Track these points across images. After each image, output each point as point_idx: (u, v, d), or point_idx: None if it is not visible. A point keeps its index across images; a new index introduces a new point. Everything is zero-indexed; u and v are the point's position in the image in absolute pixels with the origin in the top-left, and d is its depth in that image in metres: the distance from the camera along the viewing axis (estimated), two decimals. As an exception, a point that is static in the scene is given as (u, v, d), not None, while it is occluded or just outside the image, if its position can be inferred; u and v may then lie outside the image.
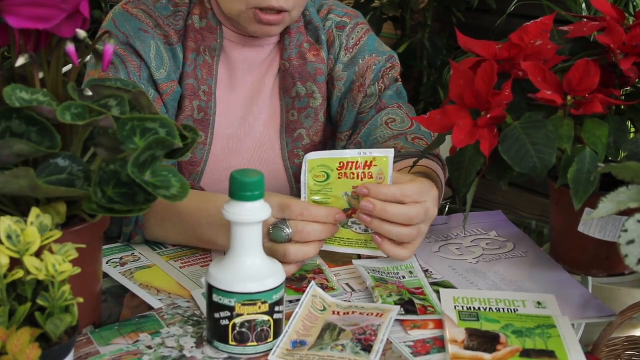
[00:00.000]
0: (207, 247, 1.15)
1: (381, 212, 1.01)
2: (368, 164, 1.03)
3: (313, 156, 1.03)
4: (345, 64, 1.39)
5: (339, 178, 1.03)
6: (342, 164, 1.03)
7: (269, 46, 1.38)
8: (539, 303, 1.00)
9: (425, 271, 1.10)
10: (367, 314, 0.95)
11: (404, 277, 1.07)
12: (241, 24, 1.29)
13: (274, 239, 1.02)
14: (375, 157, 1.03)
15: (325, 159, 1.03)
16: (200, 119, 1.33)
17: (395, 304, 0.98)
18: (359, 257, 1.14)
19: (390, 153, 1.03)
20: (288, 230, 1.01)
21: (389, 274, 1.07)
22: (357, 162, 1.03)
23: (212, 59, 1.33)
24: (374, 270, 1.07)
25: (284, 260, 1.00)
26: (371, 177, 1.03)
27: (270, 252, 1.01)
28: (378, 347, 0.87)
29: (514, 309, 0.98)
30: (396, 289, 1.02)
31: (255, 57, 1.37)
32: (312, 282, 1.01)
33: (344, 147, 1.40)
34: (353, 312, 0.95)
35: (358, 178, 1.03)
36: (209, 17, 1.33)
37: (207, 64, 1.33)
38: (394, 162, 1.23)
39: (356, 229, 1.05)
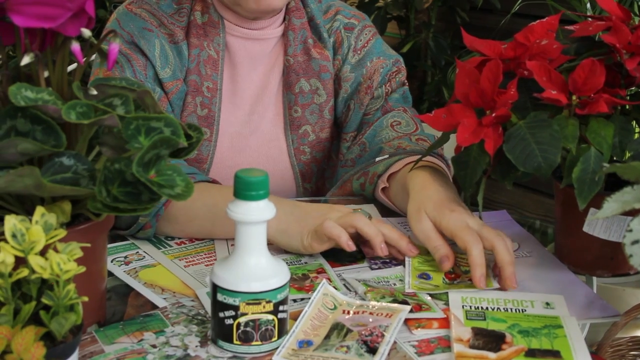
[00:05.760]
0: (216, 228, 1.15)
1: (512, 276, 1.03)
2: None
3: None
4: (352, 65, 1.40)
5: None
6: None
7: (272, 40, 1.38)
8: (547, 304, 0.99)
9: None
10: (377, 314, 0.94)
11: (395, 285, 1.05)
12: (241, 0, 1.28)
13: None
14: None
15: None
16: (204, 116, 1.33)
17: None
18: (356, 260, 1.14)
19: None
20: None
21: (379, 282, 1.06)
22: None
23: (217, 53, 1.34)
24: (364, 280, 1.06)
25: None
26: None
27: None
28: (384, 349, 0.87)
29: (522, 309, 0.98)
30: (388, 292, 1.01)
31: (259, 51, 1.37)
32: (324, 281, 0.99)
33: (348, 148, 1.41)
34: (363, 312, 0.95)
35: None
36: (211, 11, 1.33)
37: (212, 60, 1.33)
38: (399, 160, 1.24)
39: (466, 282, 1.05)
